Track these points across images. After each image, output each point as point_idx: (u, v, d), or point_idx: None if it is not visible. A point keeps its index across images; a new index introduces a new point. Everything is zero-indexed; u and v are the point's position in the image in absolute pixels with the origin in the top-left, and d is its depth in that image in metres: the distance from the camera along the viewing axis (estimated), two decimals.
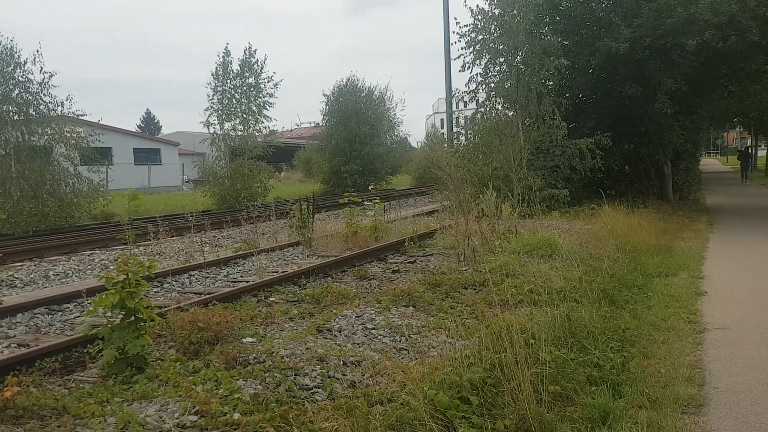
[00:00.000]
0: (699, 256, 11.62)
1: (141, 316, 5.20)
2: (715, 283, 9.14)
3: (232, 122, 27.85)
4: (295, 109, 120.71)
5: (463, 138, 21.51)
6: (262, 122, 28.59)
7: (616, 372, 5.10)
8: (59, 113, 20.08)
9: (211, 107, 27.49)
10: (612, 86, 20.14)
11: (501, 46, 18.38)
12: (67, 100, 20.16)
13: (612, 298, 7.48)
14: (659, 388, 4.92)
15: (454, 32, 19.25)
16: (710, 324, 6.93)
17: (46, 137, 19.82)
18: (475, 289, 8.07)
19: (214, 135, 27.57)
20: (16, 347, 6.15)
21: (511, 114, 18.46)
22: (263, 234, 14.91)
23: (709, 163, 66.35)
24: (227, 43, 30.22)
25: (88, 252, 13.71)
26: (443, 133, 34.26)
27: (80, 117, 20.91)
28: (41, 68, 19.49)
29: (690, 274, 9.82)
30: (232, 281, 9.49)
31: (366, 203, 14.49)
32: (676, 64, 18.18)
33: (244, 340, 5.80)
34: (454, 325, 6.15)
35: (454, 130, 25.59)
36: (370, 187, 33.20)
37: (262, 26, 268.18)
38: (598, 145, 18.14)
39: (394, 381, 4.58)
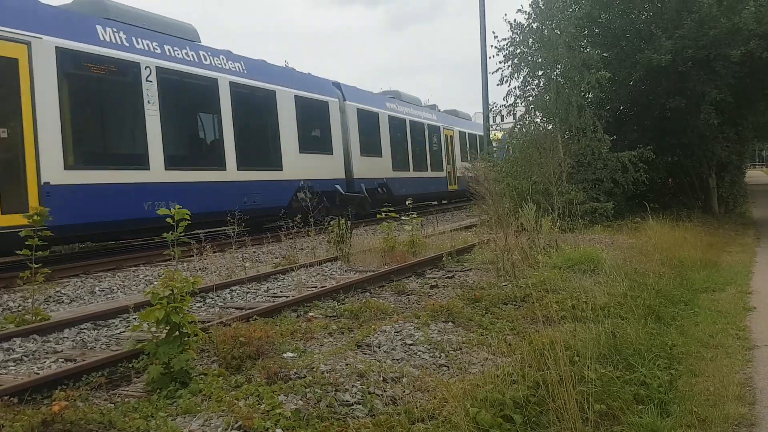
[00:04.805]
0: (746, 271, 11.31)
1: (186, 331, 5.26)
2: (764, 298, 8.87)
3: None
4: None
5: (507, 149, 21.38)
6: None
7: (663, 390, 4.98)
8: None
9: None
10: (654, 98, 19.84)
11: (540, 60, 18.29)
12: None
13: (658, 314, 7.31)
14: (708, 407, 4.78)
15: (491, 46, 19.30)
16: (760, 340, 6.72)
17: None
18: (515, 305, 7.96)
19: None
20: (63, 362, 6.27)
21: (550, 127, 18.31)
22: (302, 249, 15.00)
23: (755, 175, 64.80)
24: None
25: (133, 268, 13.96)
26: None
27: None
28: None
29: (738, 289, 9.55)
30: (272, 296, 9.55)
31: (403, 218, 14.47)
32: (719, 75, 17.85)
33: (285, 355, 5.82)
34: (495, 341, 6.08)
35: (492, 144, 25.46)
36: (407, 202, 33.03)
37: (304, 43, 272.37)
38: (641, 158, 17.86)
39: (435, 398, 4.54)
